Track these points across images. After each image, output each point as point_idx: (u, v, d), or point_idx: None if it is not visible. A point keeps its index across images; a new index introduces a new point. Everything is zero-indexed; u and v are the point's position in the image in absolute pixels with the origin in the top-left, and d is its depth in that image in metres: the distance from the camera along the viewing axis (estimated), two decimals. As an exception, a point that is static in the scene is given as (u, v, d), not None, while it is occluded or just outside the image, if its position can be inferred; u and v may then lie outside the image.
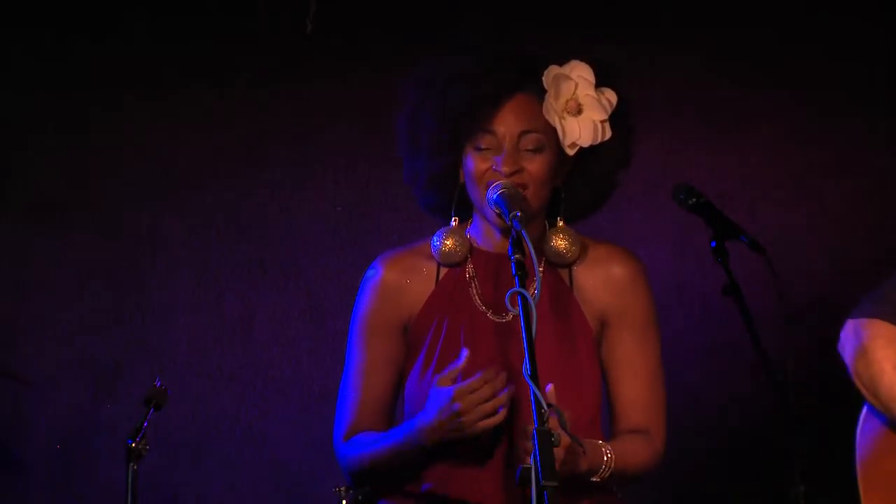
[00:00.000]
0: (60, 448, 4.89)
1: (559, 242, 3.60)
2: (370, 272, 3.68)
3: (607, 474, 3.47)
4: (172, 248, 4.98)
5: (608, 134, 3.57)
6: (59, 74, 4.96)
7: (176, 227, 4.99)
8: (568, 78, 3.56)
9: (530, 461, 3.05)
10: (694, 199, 3.63)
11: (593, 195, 3.65)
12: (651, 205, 4.90)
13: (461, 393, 3.37)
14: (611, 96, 3.57)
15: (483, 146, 3.55)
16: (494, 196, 3.48)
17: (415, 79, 3.64)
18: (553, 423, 3.11)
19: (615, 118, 3.58)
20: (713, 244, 3.59)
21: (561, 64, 3.57)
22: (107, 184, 4.98)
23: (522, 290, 3.20)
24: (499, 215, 3.48)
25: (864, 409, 3.90)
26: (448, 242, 3.63)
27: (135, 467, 3.58)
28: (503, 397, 3.38)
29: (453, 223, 3.65)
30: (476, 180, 3.54)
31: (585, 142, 3.55)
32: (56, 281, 4.94)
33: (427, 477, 3.54)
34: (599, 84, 3.57)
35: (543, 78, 3.55)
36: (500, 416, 3.38)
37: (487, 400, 3.38)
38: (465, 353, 3.42)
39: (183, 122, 5.00)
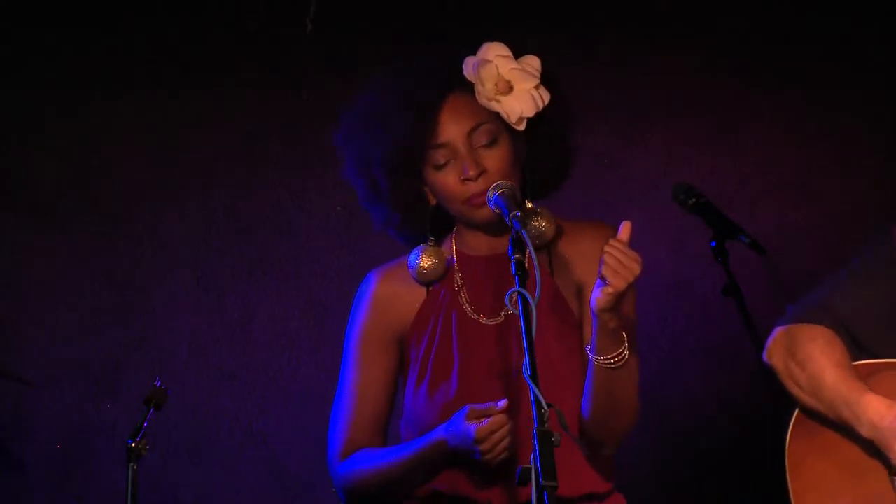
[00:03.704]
0: (60, 448, 4.89)
1: (535, 222, 3.58)
2: (363, 286, 3.67)
3: (621, 362, 3.41)
4: (172, 248, 4.98)
5: (547, 98, 3.55)
6: (59, 74, 4.96)
7: (176, 227, 4.99)
8: (486, 62, 3.54)
9: (531, 461, 3.05)
10: (694, 199, 3.62)
11: (553, 166, 3.63)
12: (651, 205, 4.90)
13: (483, 437, 3.36)
14: (532, 62, 3.56)
15: (441, 162, 3.53)
16: (494, 196, 3.46)
17: (344, 134, 3.63)
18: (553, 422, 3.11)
19: (546, 82, 3.56)
20: (713, 244, 3.59)
21: (474, 52, 3.56)
22: (107, 184, 4.98)
23: (522, 290, 3.20)
24: (498, 215, 3.47)
25: (797, 411, 3.88)
26: (424, 263, 3.61)
27: (135, 467, 3.58)
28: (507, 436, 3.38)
29: (430, 242, 3.63)
30: (450, 198, 3.52)
31: (529, 112, 3.53)
32: (56, 281, 4.94)
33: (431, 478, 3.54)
34: (517, 55, 3.56)
35: (464, 72, 3.54)
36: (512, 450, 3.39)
37: (504, 437, 3.38)
38: (504, 403, 3.38)
39: (183, 122, 5.00)
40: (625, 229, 3.35)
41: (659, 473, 4.98)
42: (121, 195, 4.98)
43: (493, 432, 3.35)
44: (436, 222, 3.63)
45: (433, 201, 3.58)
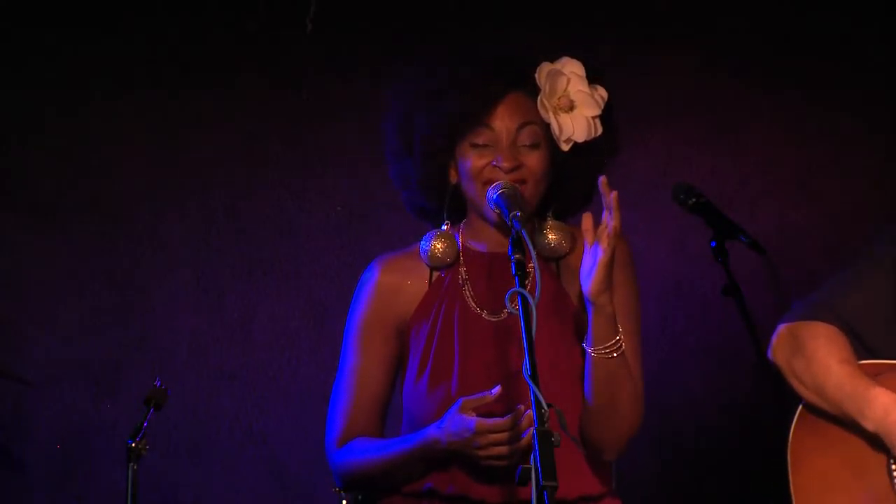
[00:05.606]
0: (60, 448, 4.89)
1: (552, 236, 3.60)
2: (366, 275, 3.68)
3: (618, 351, 3.42)
4: (172, 248, 4.98)
5: (600, 130, 3.57)
6: (59, 74, 4.97)
7: (176, 227, 4.99)
8: (561, 74, 3.56)
9: (530, 461, 3.05)
10: (694, 199, 3.62)
11: (584, 191, 3.65)
12: (651, 205, 4.90)
13: (482, 431, 3.36)
14: (603, 93, 3.59)
15: (481, 143, 3.55)
16: (494, 196, 3.48)
17: (404, 86, 3.64)
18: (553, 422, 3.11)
19: (604, 115, 3.59)
20: (713, 244, 3.59)
21: (552, 61, 3.58)
22: (107, 184, 4.98)
23: (522, 291, 3.20)
24: (498, 214, 3.48)
25: (801, 408, 3.88)
26: (438, 245, 3.62)
27: (135, 467, 3.58)
28: (523, 442, 3.36)
29: (445, 227, 3.64)
30: (474, 178, 3.54)
31: (580, 137, 3.56)
32: (56, 281, 4.94)
33: (428, 476, 3.54)
34: (591, 81, 3.58)
35: (536, 75, 3.56)
36: (513, 459, 3.38)
37: (506, 442, 3.37)
38: (497, 389, 3.39)
39: (183, 122, 5.00)
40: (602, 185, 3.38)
41: (659, 474, 4.98)
42: (121, 195, 4.98)
43: (491, 432, 3.35)
44: (448, 211, 3.64)
45: (454, 179, 3.60)
